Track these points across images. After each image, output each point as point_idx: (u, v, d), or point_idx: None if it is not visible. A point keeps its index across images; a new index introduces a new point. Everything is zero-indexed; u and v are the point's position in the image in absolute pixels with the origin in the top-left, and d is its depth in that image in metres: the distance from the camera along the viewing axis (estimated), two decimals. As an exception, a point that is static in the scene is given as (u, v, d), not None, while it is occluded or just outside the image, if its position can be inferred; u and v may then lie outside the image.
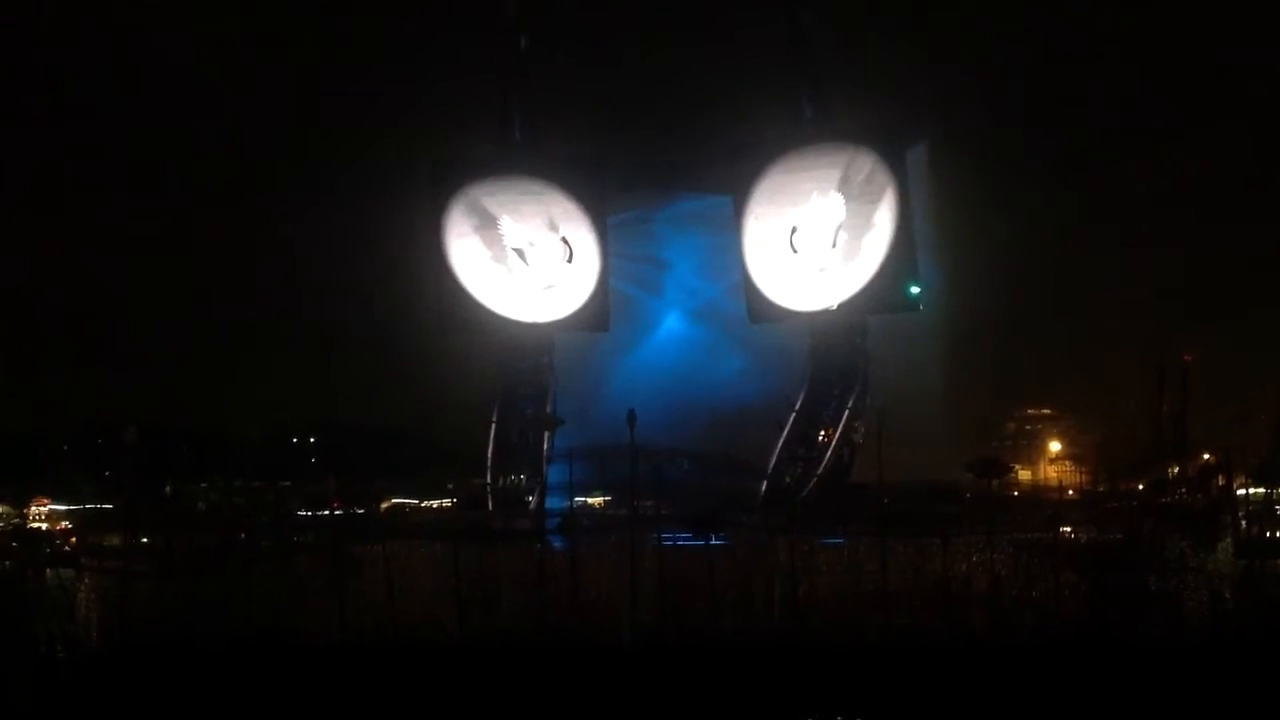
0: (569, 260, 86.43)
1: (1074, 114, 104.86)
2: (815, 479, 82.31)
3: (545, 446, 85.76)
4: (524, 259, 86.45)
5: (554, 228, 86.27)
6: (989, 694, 38.01)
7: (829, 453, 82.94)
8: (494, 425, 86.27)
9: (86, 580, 51.59)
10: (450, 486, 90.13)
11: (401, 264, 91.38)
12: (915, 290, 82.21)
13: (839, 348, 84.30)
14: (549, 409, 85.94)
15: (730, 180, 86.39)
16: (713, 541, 49.66)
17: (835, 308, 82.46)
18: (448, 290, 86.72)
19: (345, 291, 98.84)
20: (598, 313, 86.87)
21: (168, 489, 71.99)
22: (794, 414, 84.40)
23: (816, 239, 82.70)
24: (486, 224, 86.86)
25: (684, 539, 51.32)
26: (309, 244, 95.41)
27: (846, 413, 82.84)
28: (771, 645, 43.72)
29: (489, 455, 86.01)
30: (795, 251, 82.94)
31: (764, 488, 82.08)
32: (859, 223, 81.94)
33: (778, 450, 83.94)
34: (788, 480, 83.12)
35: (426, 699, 40.46)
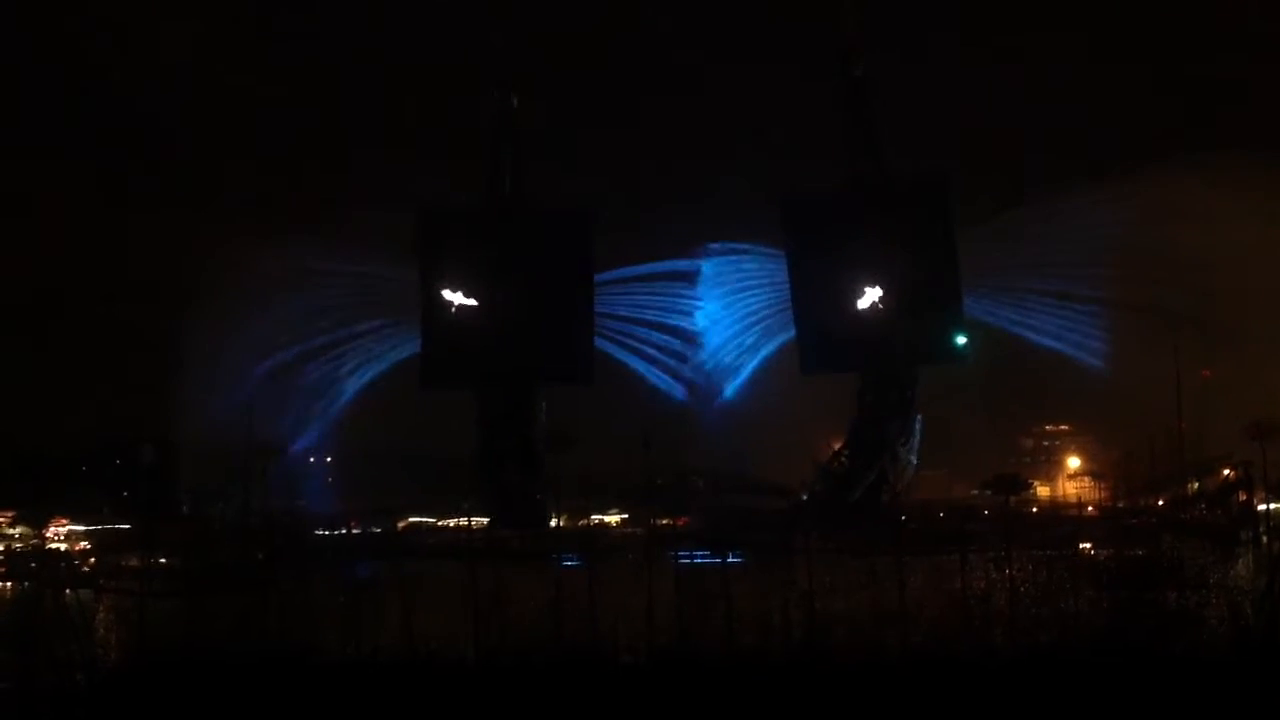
0: (555, 314, 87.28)
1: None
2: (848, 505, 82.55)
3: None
4: (509, 312, 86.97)
5: (540, 282, 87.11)
6: (1011, 710, 37.79)
7: (862, 490, 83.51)
8: (485, 447, 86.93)
9: (105, 601, 51.63)
10: (466, 506, 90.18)
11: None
12: (962, 341, 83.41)
13: (886, 396, 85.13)
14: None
15: (782, 234, 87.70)
16: (730, 559, 49.53)
17: (884, 359, 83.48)
18: (435, 343, 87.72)
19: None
20: (582, 367, 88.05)
21: (185, 508, 72.12)
22: (834, 452, 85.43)
23: (866, 292, 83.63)
24: (474, 277, 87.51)
25: (700, 557, 51.19)
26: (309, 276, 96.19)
27: (887, 459, 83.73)
28: (789, 662, 43.46)
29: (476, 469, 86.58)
30: (844, 304, 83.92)
31: (790, 505, 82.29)
32: (907, 275, 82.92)
33: (812, 484, 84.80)
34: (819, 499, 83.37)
35: (443, 716, 40.38)
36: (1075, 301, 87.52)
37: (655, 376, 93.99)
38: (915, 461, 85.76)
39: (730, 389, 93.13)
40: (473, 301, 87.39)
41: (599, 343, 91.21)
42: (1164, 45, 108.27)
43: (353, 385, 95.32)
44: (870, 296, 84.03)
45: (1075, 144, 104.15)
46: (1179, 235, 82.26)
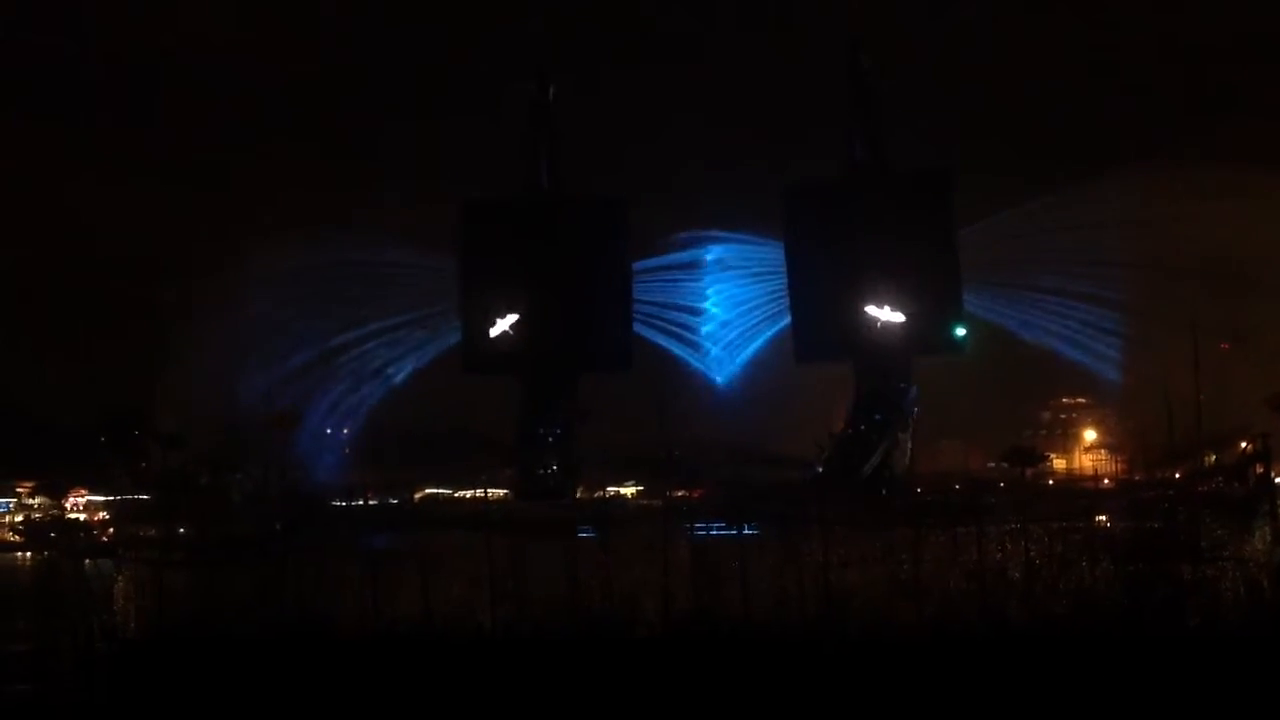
0: (593, 302, 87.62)
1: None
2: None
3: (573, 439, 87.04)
4: (548, 300, 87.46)
5: (578, 271, 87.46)
6: (1025, 682, 37.87)
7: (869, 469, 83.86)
8: (518, 419, 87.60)
9: (124, 570, 52.01)
10: (484, 477, 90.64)
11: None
12: (961, 332, 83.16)
13: (883, 387, 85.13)
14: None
15: (780, 223, 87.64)
16: (745, 531, 49.64)
17: (880, 349, 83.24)
18: (474, 330, 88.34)
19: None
20: (622, 353, 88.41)
21: (204, 480, 72.37)
22: (832, 439, 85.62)
23: (863, 281, 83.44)
24: (513, 266, 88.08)
25: (717, 529, 51.29)
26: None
27: (888, 445, 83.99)
28: (805, 634, 43.58)
29: (516, 447, 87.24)
30: (842, 293, 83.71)
31: (806, 478, 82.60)
32: (906, 265, 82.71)
33: (822, 458, 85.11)
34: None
35: (460, 688, 40.61)
36: (1076, 301, 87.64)
37: (692, 358, 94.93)
38: (910, 435, 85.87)
39: (738, 366, 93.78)
40: (511, 290, 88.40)
41: (636, 326, 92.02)
42: (1164, 46, 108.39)
43: (384, 373, 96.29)
44: (869, 287, 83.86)
45: (1075, 143, 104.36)
46: (1180, 235, 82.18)
